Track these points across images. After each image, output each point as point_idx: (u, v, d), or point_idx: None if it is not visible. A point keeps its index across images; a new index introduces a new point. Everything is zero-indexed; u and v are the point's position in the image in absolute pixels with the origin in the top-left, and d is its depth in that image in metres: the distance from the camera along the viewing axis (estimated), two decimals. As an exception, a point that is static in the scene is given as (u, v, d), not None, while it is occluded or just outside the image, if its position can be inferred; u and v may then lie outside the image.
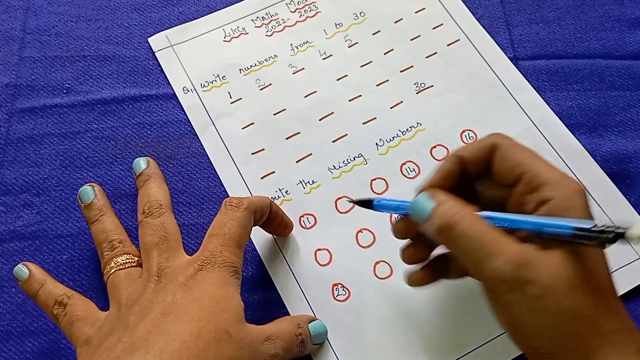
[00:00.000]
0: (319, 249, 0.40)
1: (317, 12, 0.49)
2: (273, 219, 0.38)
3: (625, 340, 0.28)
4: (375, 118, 0.45)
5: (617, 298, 0.29)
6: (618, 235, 0.27)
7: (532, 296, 0.28)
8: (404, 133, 0.44)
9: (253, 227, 0.35)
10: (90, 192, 0.38)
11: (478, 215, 0.31)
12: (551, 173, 0.31)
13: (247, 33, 0.48)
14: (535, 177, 0.31)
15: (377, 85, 0.46)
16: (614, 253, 0.40)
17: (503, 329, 0.30)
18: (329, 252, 0.40)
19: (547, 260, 0.28)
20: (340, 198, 0.42)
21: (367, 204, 0.36)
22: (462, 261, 0.31)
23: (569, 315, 0.28)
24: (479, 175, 0.34)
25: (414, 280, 0.36)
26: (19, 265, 0.36)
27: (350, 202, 0.41)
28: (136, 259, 0.36)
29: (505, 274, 0.28)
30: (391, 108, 0.45)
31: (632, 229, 0.26)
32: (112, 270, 0.35)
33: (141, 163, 0.39)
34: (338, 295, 0.39)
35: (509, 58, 0.47)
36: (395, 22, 0.49)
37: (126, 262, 0.35)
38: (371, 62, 0.47)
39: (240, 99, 0.46)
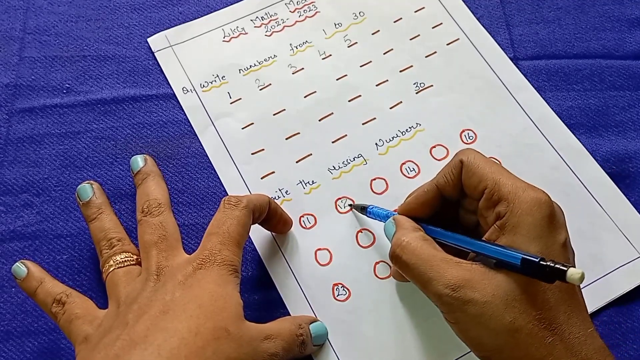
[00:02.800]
0: (319, 249, 0.40)
1: (316, 12, 0.49)
2: (272, 216, 0.38)
3: (566, 352, 0.29)
4: (374, 118, 0.45)
5: (575, 311, 0.30)
6: (556, 274, 0.27)
7: (473, 314, 0.29)
8: (404, 133, 0.44)
9: (252, 226, 0.36)
10: (88, 190, 0.38)
11: (425, 240, 0.32)
12: (510, 187, 0.31)
13: (246, 33, 0.48)
14: (495, 191, 0.32)
15: (376, 85, 0.46)
16: (613, 253, 0.40)
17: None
18: (329, 252, 0.40)
19: (489, 279, 0.30)
20: (340, 198, 0.42)
21: (362, 209, 0.40)
22: (416, 285, 0.33)
23: (509, 329, 0.29)
24: (459, 197, 0.35)
25: (399, 275, 0.38)
26: (17, 263, 0.36)
27: (349, 205, 0.42)
28: (135, 257, 0.36)
29: (444, 297, 0.30)
30: (391, 108, 0.45)
31: (572, 270, 0.27)
32: (111, 269, 0.35)
33: (139, 161, 0.39)
34: (338, 295, 0.39)
35: (509, 58, 0.47)
36: (394, 22, 0.49)
37: (125, 261, 0.35)
38: (371, 62, 0.47)
39: (240, 99, 0.46)
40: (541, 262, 0.28)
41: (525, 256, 0.28)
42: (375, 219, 0.39)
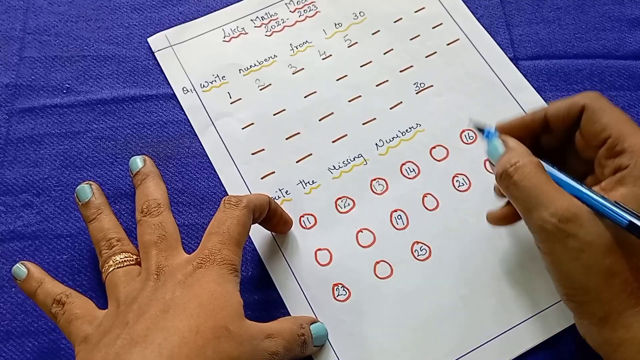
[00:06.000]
0: (319, 249, 0.40)
1: (316, 12, 0.49)
2: (272, 216, 0.38)
3: None
4: (374, 119, 0.45)
5: None
6: None
7: (573, 249, 0.29)
8: (404, 134, 0.44)
9: (252, 226, 0.35)
10: (87, 191, 0.38)
11: (539, 167, 0.32)
12: (636, 140, 0.31)
13: (246, 33, 0.48)
14: (618, 143, 0.31)
15: (376, 86, 0.46)
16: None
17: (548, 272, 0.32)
18: (329, 252, 0.40)
19: (595, 219, 0.30)
20: (340, 198, 0.42)
21: (481, 130, 0.37)
22: (516, 208, 0.32)
23: (605, 272, 0.29)
24: (563, 137, 0.35)
25: (492, 219, 0.37)
26: (17, 264, 0.36)
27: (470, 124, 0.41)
28: (134, 257, 0.36)
29: (548, 224, 0.30)
30: (391, 109, 0.45)
31: None
32: (111, 269, 0.35)
33: (137, 161, 0.39)
34: (338, 295, 0.39)
35: (509, 58, 0.47)
36: (394, 22, 0.49)
37: (124, 261, 0.35)
38: (371, 62, 0.47)
39: (240, 99, 0.46)
40: None
41: (634, 220, 0.28)
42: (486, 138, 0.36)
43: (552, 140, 0.36)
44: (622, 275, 0.29)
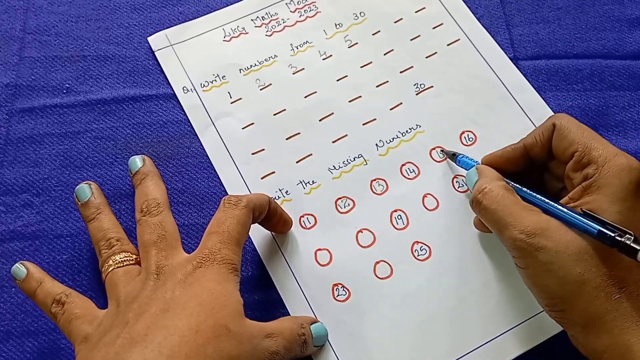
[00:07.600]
0: (319, 249, 0.40)
1: (317, 12, 0.49)
2: (272, 216, 0.38)
3: (632, 311, 0.30)
4: (375, 119, 0.45)
5: None
6: (628, 251, 0.29)
7: (543, 261, 0.30)
8: (404, 134, 0.44)
9: (252, 226, 0.35)
10: (87, 190, 0.38)
11: (507, 189, 0.34)
12: (601, 151, 0.32)
13: (247, 33, 0.48)
14: (585, 155, 0.33)
15: (377, 87, 0.46)
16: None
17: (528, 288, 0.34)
18: (329, 252, 0.40)
19: (565, 231, 0.31)
20: (340, 198, 0.42)
21: (453, 156, 0.42)
22: (491, 230, 0.34)
23: (577, 280, 0.30)
24: (545, 160, 0.37)
25: (478, 224, 0.39)
26: (16, 264, 0.36)
27: (441, 151, 0.43)
28: (134, 256, 0.36)
29: (518, 241, 0.31)
30: (391, 109, 0.45)
31: None
32: (110, 269, 0.35)
33: (137, 161, 0.39)
34: (338, 295, 0.39)
35: (509, 58, 0.47)
36: (395, 22, 0.49)
37: (124, 260, 0.35)
38: (371, 62, 0.47)
39: (240, 99, 0.46)
40: (617, 238, 0.29)
41: (602, 229, 0.29)
42: (462, 168, 0.41)
43: (532, 166, 0.38)
44: (594, 282, 0.30)
